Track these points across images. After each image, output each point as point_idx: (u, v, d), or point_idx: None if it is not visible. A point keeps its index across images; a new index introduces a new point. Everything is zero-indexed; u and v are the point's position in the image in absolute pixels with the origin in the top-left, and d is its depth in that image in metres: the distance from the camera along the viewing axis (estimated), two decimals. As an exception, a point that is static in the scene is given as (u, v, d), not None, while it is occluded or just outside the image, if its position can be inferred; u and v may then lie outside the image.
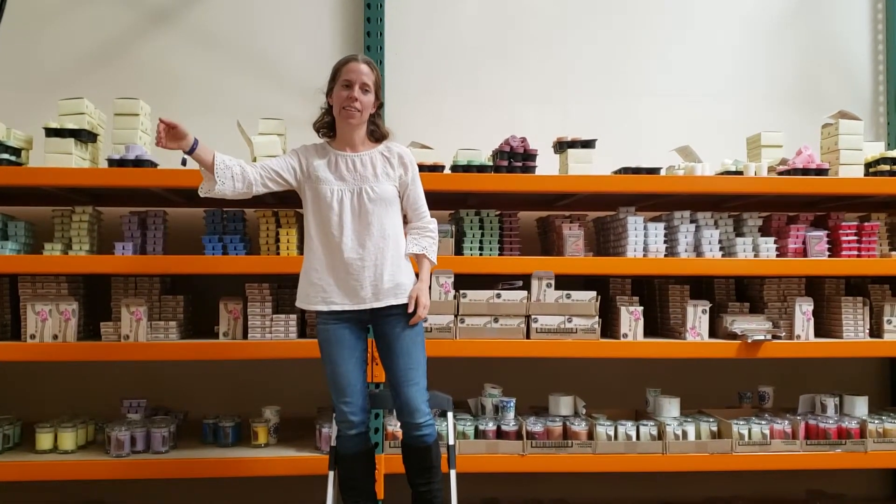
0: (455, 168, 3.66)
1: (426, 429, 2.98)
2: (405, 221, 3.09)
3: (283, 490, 3.96)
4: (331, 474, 3.16)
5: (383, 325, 2.99)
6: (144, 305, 3.55)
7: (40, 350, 3.51)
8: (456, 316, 3.61)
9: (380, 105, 3.03)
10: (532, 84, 4.39)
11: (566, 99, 4.39)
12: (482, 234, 3.74)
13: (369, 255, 2.92)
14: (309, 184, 2.98)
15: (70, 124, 3.52)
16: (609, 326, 3.82)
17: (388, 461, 3.41)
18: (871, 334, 3.90)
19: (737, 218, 3.91)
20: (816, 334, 3.82)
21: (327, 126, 3.04)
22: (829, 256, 3.83)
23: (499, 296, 3.65)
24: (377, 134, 3.04)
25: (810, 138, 4.06)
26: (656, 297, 4.05)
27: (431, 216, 3.11)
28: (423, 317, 2.97)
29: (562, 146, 3.79)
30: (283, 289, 3.82)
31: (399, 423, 3.09)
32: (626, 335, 3.70)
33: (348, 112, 2.91)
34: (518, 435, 3.60)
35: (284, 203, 3.96)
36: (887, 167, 3.81)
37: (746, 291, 4.07)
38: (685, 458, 3.61)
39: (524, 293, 3.65)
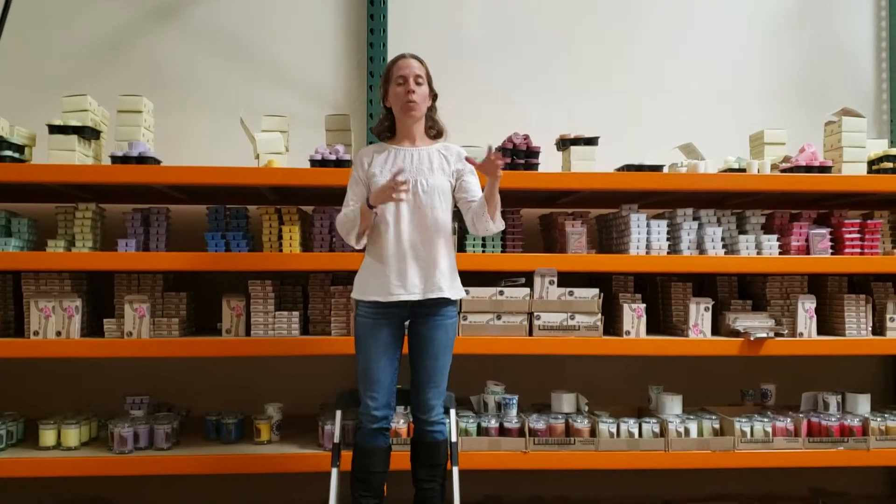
0: (458, 165, 3.66)
1: (438, 426, 3.08)
2: (458, 214, 3.14)
3: (286, 487, 3.97)
4: (334, 471, 3.17)
5: (421, 324, 3.03)
6: (147, 302, 3.56)
7: (44, 346, 3.51)
8: (459, 313, 3.61)
9: (434, 97, 3.12)
10: (535, 81, 4.38)
11: (569, 96, 4.38)
12: (485, 232, 3.74)
13: (423, 246, 2.98)
14: (371, 182, 3.04)
15: (73, 121, 3.52)
16: (612, 324, 3.82)
17: (391, 458, 3.40)
18: (874, 332, 3.90)
19: (740, 215, 3.90)
20: (819, 332, 3.82)
21: (387, 129, 3.14)
22: (832, 254, 3.82)
23: (501, 293, 3.65)
24: (435, 130, 3.14)
25: (813, 136, 4.06)
26: (659, 294, 4.05)
27: None
28: (497, 156, 2.83)
29: (565, 143, 3.79)
30: (285, 286, 3.82)
31: (412, 419, 3.17)
32: (628, 332, 3.70)
33: (409, 106, 3.01)
34: (520, 432, 3.60)
35: (287, 200, 3.96)
36: (890, 165, 3.81)
37: (749, 289, 4.07)
38: (687, 455, 3.61)
39: (527, 290, 3.65)
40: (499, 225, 3.03)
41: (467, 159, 3.01)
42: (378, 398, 3.01)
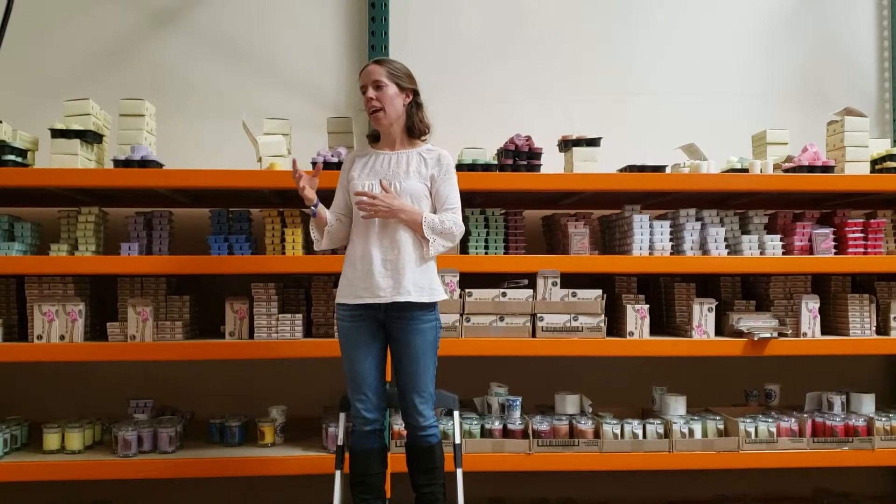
0: (460, 167, 3.65)
1: (430, 430, 3.03)
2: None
3: (290, 489, 3.96)
4: (338, 473, 3.17)
5: (397, 329, 2.98)
6: (150, 306, 3.56)
7: (47, 350, 3.52)
8: (461, 315, 3.61)
9: (414, 93, 3.05)
10: (537, 83, 4.38)
11: (571, 97, 4.38)
12: (487, 233, 3.74)
13: (393, 249, 2.94)
14: (350, 185, 3.06)
15: (76, 125, 3.53)
16: (615, 325, 3.82)
17: (395, 460, 3.40)
18: (878, 332, 3.89)
19: (742, 215, 3.90)
20: (823, 332, 3.81)
21: (373, 137, 3.16)
22: (836, 254, 3.82)
23: (504, 294, 3.65)
24: (417, 128, 3.05)
25: (816, 135, 4.05)
26: (662, 295, 4.04)
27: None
28: (373, 203, 2.87)
29: (567, 144, 3.78)
30: (288, 288, 3.82)
31: (404, 424, 3.12)
32: (631, 333, 3.69)
33: (375, 116, 3.01)
34: (524, 434, 3.59)
35: (290, 203, 3.96)
36: (893, 164, 3.80)
37: (752, 289, 4.07)
38: (692, 456, 3.61)
39: (530, 292, 3.65)
40: (432, 252, 2.96)
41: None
42: (367, 399, 3.00)
